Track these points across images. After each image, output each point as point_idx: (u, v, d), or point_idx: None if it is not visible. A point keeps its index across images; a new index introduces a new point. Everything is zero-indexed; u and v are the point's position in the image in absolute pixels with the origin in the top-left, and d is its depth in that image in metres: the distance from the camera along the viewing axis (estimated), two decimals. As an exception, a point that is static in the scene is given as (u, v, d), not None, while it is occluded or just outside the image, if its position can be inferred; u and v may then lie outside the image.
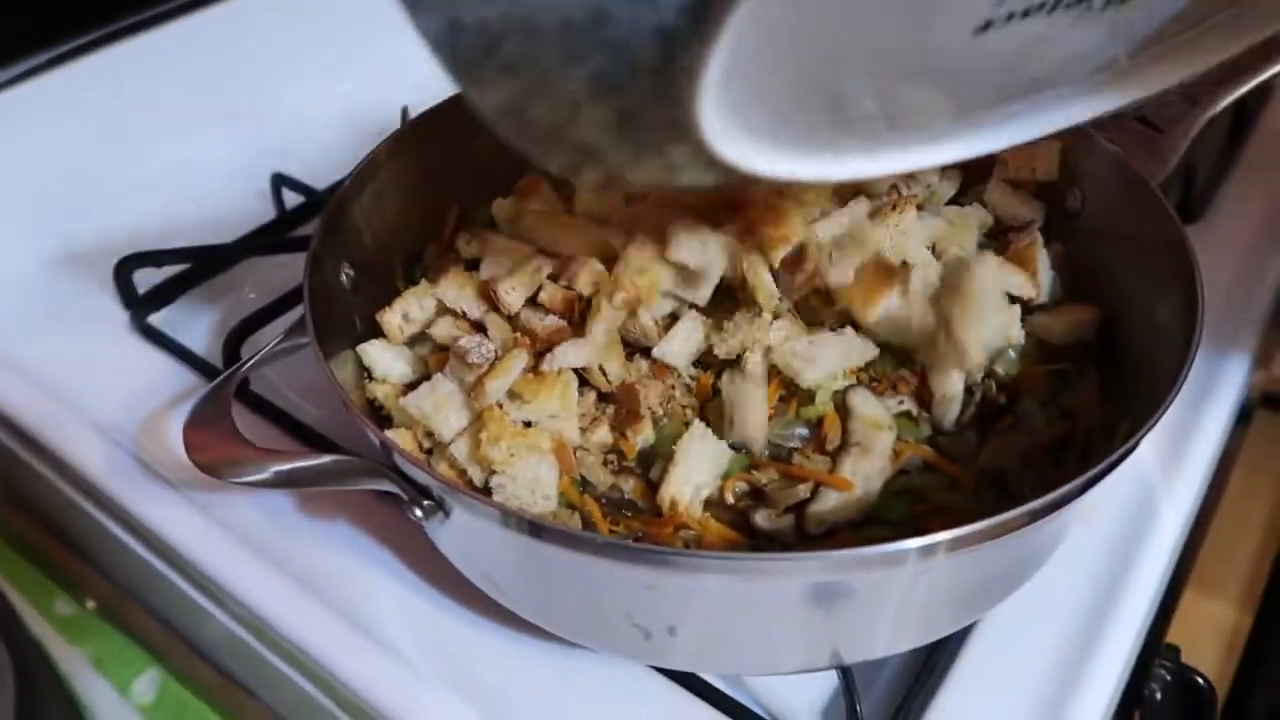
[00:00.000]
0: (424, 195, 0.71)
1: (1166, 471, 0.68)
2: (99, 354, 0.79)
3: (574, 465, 0.57)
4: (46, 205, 0.84)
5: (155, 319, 0.81)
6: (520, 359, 0.57)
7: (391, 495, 0.65)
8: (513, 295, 0.61)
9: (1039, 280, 0.64)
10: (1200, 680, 0.63)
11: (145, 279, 0.82)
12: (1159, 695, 0.64)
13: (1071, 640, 0.59)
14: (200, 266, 0.84)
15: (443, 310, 0.63)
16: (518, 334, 0.61)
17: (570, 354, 0.58)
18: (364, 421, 0.51)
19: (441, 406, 0.57)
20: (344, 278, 0.63)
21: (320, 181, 0.90)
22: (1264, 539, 1.10)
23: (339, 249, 0.63)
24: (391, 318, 0.63)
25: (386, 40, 1.05)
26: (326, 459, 0.52)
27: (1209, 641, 0.96)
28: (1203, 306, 0.54)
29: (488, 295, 0.63)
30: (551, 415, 0.57)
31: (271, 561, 0.63)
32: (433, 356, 0.63)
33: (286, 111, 0.98)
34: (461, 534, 0.53)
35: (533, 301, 0.63)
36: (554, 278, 0.63)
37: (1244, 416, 0.97)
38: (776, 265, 0.60)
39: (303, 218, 0.90)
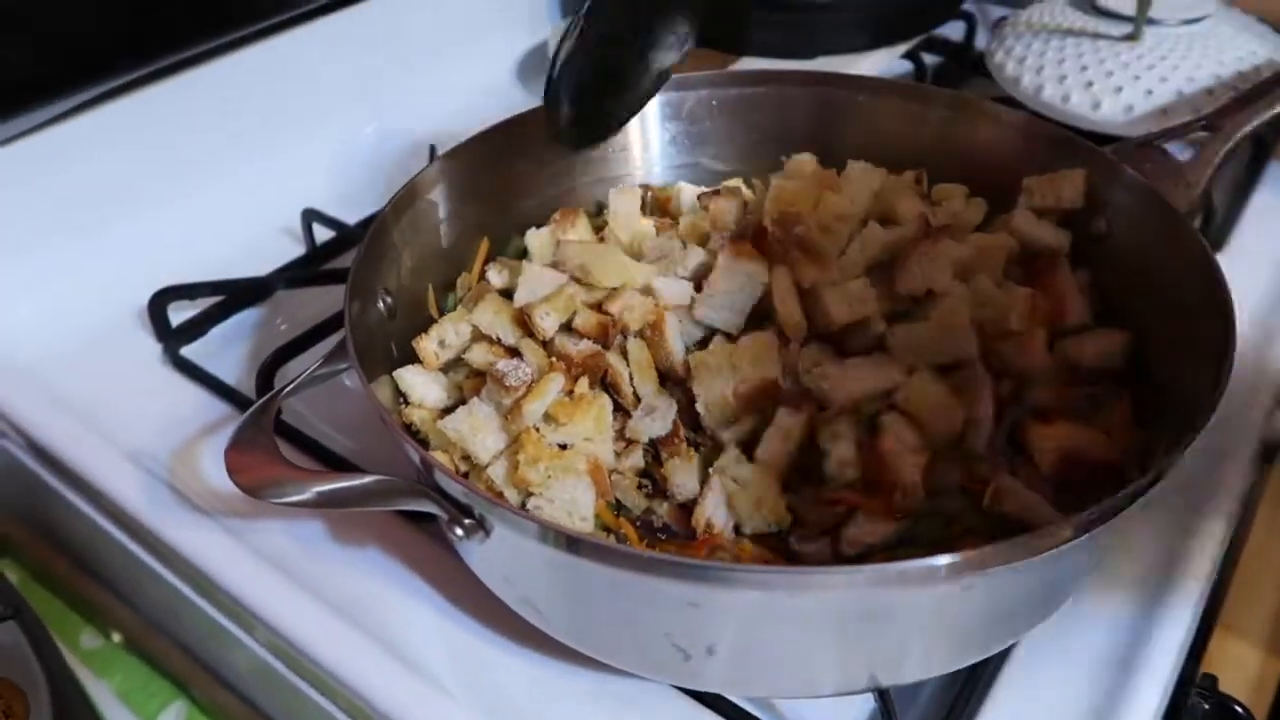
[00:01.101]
0: (457, 226, 0.73)
1: (1200, 495, 0.68)
2: (133, 385, 0.80)
3: (609, 488, 0.58)
4: (83, 239, 0.85)
5: (188, 351, 0.82)
6: (557, 382, 0.58)
7: (425, 520, 0.66)
8: (548, 320, 0.62)
9: (1067, 306, 0.65)
10: (1239, 709, 0.62)
11: (179, 312, 0.83)
12: (1199, 724, 0.63)
13: (1109, 668, 0.59)
14: (233, 300, 0.85)
15: (478, 336, 0.64)
16: (552, 359, 0.62)
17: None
18: (405, 439, 0.51)
19: (479, 429, 0.58)
20: (382, 305, 0.64)
21: (350, 217, 0.92)
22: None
23: (378, 275, 0.64)
24: (428, 344, 0.64)
25: (412, 82, 1.08)
26: (369, 479, 0.53)
27: (1239, 680, 0.95)
28: (1234, 329, 0.55)
29: (522, 321, 0.64)
30: (586, 438, 0.58)
31: (304, 587, 0.64)
32: (468, 382, 0.64)
33: (316, 150, 1.00)
34: (501, 554, 0.53)
35: (566, 328, 0.64)
36: (589, 305, 0.64)
37: (1268, 455, 0.97)
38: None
39: (333, 252, 0.91)
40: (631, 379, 0.62)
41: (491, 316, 0.64)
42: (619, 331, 0.63)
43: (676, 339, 0.63)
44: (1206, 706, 0.63)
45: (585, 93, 0.72)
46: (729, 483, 0.56)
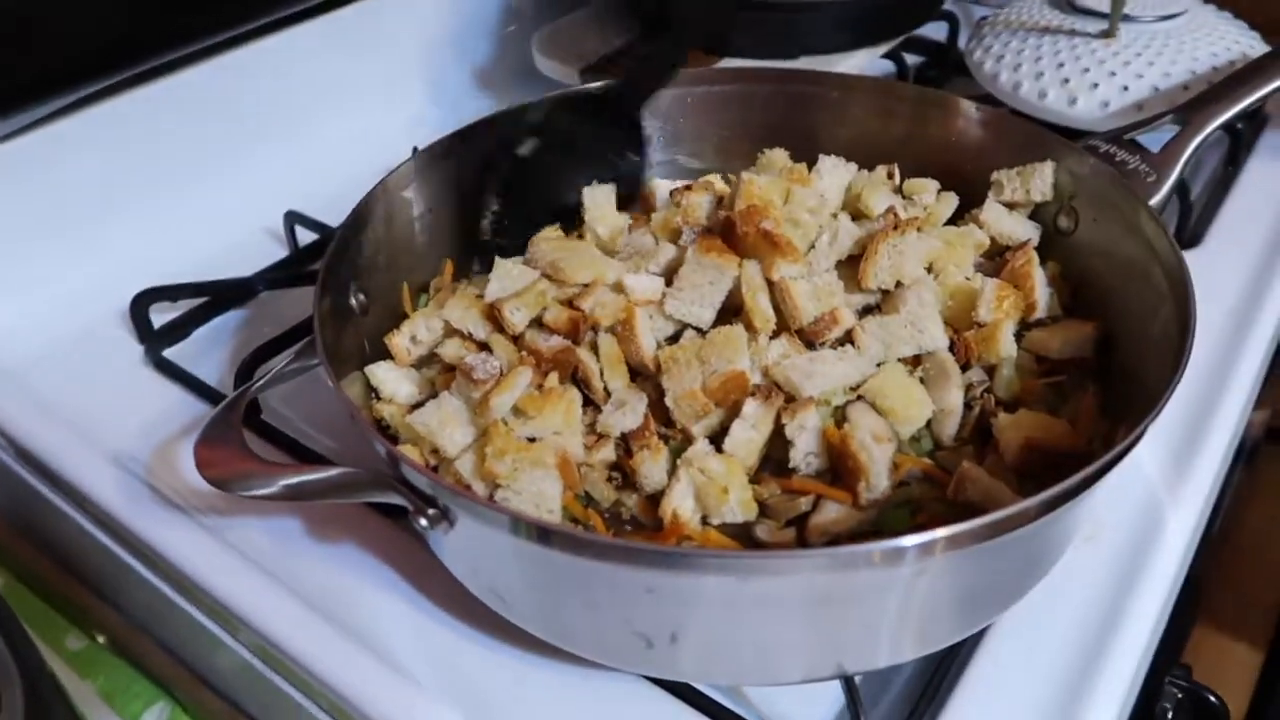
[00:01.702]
0: (431, 223, 0.74)
1: (1171, 489, 0.68)
2: (114, 386, 0.80)
3: (577, 480, 0.58)
4: (66, 241, 0.86)
5: (170, 352, 0.83)
6: (525, 375, 0.58)
7: (398, 515, 0.67)
8: (518, 315, 0.63)
9: (1036, 298, 0.65)
10: (1212, 698, 0.63)
11: (161, 314, 0.84)
12: (1171, 713, 0.63)
13: (1080, 655, 0.59)
14: (215, 301, 0.86)
15: (450, 332, 0.65)
16: (522, 354, 0.62)
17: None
18: (371, 432, 0.52)
19: (447, 423, 0.58)
20: (354, 301, 0.65)
21: (333, 219, 0.92)
22: (1281, 574, 1.09)
23: (350, 271, 0.65)
24: (399, 340, 0.65)
25: (397, 86, 1.09)
26: (334, 472, 0.53)
27: (1228, 675, 0.96)
28: (1193, 317, 0.55)
29: (493, 316, 0.64)
30: (555, 431, 0.58)
31: (280, 583, 0.64)
32: (440, 377, 0.64)
33: (299, 153, 1.01)
34: (466, 544, 0.54)
35: (538, 323, 0.65)
36: (561, 301, 0.65)
37: (1252, 452, 0.97)
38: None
39: (315, 254, 0.92)
40: (602, 374, 0.62)
41: (462, 312, 0.65)
42: (590, 328, 0.63)
43: (647, 335, 0.63)
44: (1180, 695, 0.63)
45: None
46: (696, 474, 0.56)
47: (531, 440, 0.58)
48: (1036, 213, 0.72)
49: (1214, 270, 0.85)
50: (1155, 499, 0.68)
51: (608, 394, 0.62)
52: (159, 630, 0.78)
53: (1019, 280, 0.66)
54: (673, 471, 0.58)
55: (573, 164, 0.74)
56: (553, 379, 0.61)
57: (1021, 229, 0.70)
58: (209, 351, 0.84)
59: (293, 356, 0.62)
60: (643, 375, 0.64)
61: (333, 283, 0.62)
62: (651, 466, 0.58)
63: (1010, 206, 0.71)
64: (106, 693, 0.76)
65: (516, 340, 0.64)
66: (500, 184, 0.73)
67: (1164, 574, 0.64)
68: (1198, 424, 0.72)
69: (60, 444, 0.75)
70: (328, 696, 0.60)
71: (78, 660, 0.79)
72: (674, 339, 0.65)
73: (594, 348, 0.63)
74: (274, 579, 0.64)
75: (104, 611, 0.81)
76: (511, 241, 0.71)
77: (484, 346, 0.64)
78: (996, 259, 0.70)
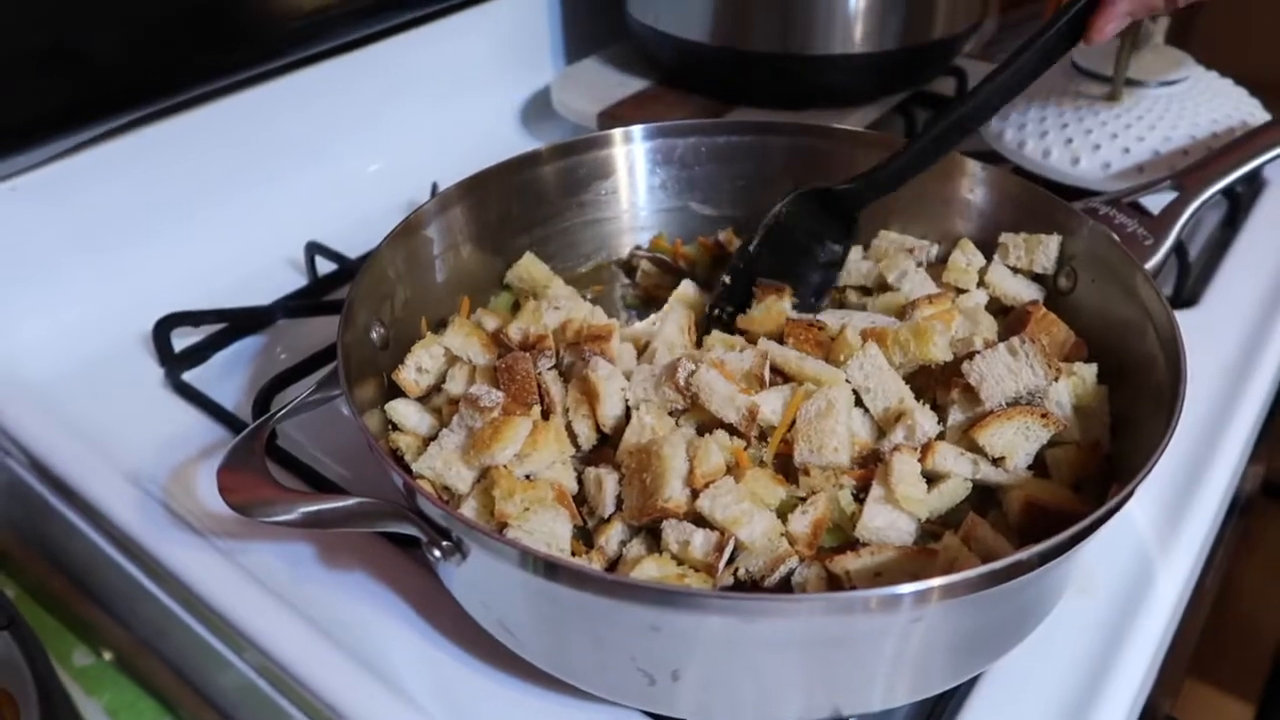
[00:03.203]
0: (452, 261, 0.76)
1: (1163, 544, 0.70)
2: (134, 407, 0.82)
3: (577, 513, 0.60)
4: (94, 265, 0.88)
5: (189, 376, 0.85)
6: (525, 426, 0.60)
7: (410, 544, 0.68)
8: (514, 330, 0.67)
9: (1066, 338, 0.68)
10: (1200, 751, 0.64)
11: (182, 338, 0.86)
12: (1158, 765, 0.64)
13: (1070, 705, 0.60)
14: (235, 327, 0.88)
15: (452, 360, 0.67)
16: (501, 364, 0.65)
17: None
18: (388, 462, 0.54)
19: (451, 463, 0.60)
20: (375, 335, 0.67)
21: (352, 251, 0.95)
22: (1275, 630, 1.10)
23: (373, 305, 0.67)
24: (406, 374, 0.67)
25: (417, 123, 1.12)
26: (352, 501, 0.55)
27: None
28: (1185, 374, 0.57)
29: (492, 344, 0.67)
30: (548, 465, 0.60)
31: (292, 608, 0.65)
32: (446, 406, 0.66)
33: (322, 185, 1.03)
34: (477, 576, 0.55)
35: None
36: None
37: (1246, 506, 0.99)
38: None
39: (334, 284, 0.94)
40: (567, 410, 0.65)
41: (463, 340, 0.67)
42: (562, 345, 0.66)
43: (614, 397, 0.64)
44: (1169, 748, 0.64)
45: None
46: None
47: (528, 478, 0.60)
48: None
49: (1211, 328, 0.87)
50: (1147, 553, 0.69)
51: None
52: (166, 649, 0.79)
53: (1048, 327, 0.67)
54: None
55: (789, 250, 0.78)
56: (534, 411, 0.63)
57: (1026, 291, 0.73)
58: (227, 376, 0.86)
59: (315, 387, 0.64)
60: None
61: (356, 317, 0.64)
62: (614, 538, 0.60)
63: (1013, 270, 0.74)
64: (112, 709, 0.77)
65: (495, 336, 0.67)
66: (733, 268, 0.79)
67: (1154, 628, 0.65)
68: (1191, 479, 0.74)
69: (78, 461, 0.77)
70: (329, 718, 0.61)
71: (84, 676, 0.80)
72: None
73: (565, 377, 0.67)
74: (284, 602, 0.66)
75: (112, 628, 0.82)
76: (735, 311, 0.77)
77: (488, 372, 0.67)
78: (1000, 316, 0.72)
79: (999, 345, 0.61)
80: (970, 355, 0.61)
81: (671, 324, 0.73)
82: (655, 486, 0.57)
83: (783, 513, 0.58)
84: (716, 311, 0.78)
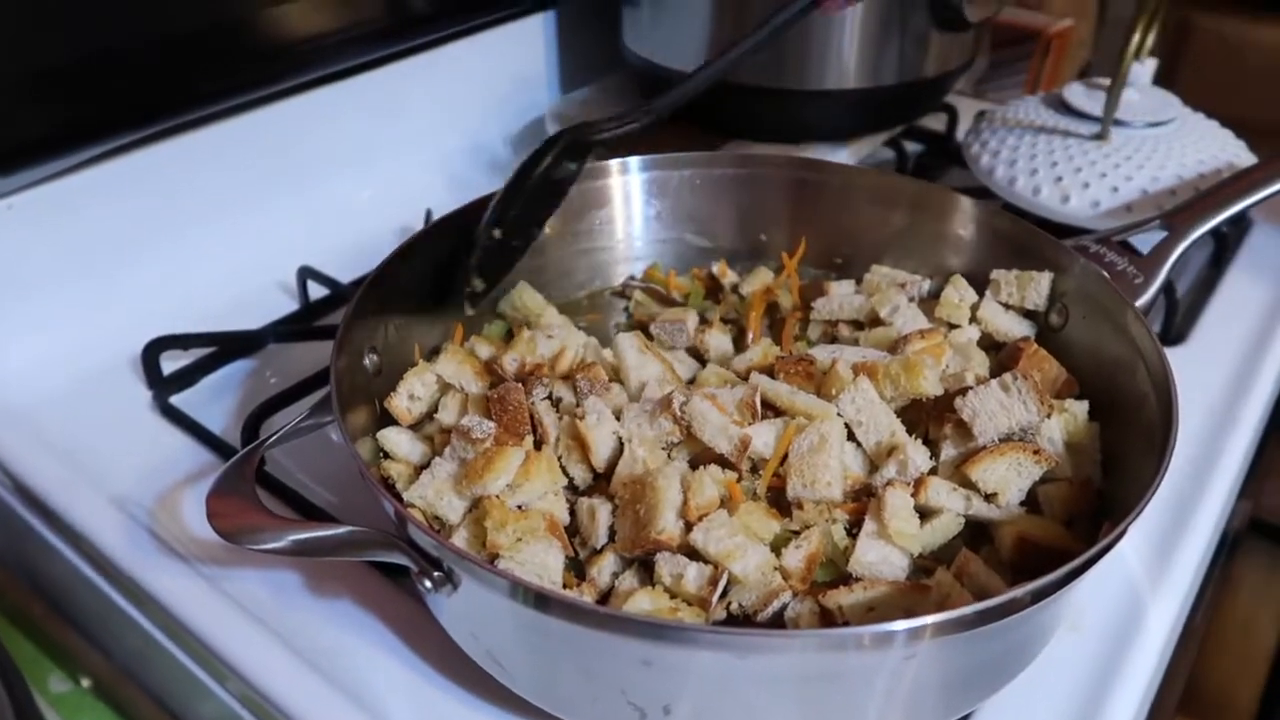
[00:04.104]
0: (446, 290, 0.76)
1: (1153, 581, 0.70)
2: (120, 430, 0.81)
3: (568, 544, 0.60)
4: (84, 287, 0.88)
5: (177, 399, 0.84)
6: (518, 456, 0.60)
7: (398, 574, 0.68)
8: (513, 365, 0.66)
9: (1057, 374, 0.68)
10: (1190, 792, 0.64)
11: (171, 361, 0.85)
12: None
13: (1060, 743, 0.60)
14: (224, 351, 0.87)
15: (444, 387, 0.67)
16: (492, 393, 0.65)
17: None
18: (380, 491, 0.53)
19: (443, 493, 0.60)
20: (368, 362, 0.67)
21: (344, 276, 0.95)
22: (1265, 669, 1.10)
23: (367, 332, 0.67)
24: (399, 402, 0.67)
25: (410, 150, 1.13)
26: (342, 530, 0.55)
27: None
28: (1176, 418, 0.57)
29: (484, 372, 0.67)
30: (540, 496, 0.60)
31: (277, 636, 0.65)
32: (439, 434, 0.66)
33: (315, 210, 1.03)
34: (467, 607, 0.55)
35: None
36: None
37: (1235, 544, 0.99)
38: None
39: (325, 309, 0.94)
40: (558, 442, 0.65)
41: (456, 367, 0.67)
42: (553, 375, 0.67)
43: (605, 445, 0.64)
44: (1158, 789, 0.64)
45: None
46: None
47: (520, 508, 0.60)
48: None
49: (1198, 366, 0.88)
50: (1137, 591, 0.69)
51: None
52: (146, 676, 0.78)
53: (1040, 363, 0.68)
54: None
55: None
56: (527, 442, 0.63)
57: (1017, 327, 0.73)
58: (215, 400, 0.85)
59: (307, 413, 0.64)
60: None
61: (350, 344, 0.64)
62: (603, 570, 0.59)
63: (1005, 306, 0.74)
64: (90, 739, 0.76)
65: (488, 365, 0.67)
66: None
67: (1144, 665, 0.65)
68: (1180, 517, 0.74)
69: (62, 484, 0.76)
70: (315, 753, 0.60)
71: (61, 704, 0.79)
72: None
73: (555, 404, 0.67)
74: (268, 630, 0.65)
75: (91, 655, 0.81)
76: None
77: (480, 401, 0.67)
78: (991, 352, 0.72)
79: (991, 381, 0.61)
80: (963, 391, 0.62)
81: (648, 364, 0.71)
82: (649, 518, 0.56)
83: (776, 547, 0.57)
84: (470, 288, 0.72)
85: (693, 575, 0.55)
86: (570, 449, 0.64)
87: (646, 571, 0.58)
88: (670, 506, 0.57)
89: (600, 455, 0.63)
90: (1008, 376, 0.61)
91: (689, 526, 0.57)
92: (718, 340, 0.77)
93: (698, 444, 0.62)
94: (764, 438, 0.62)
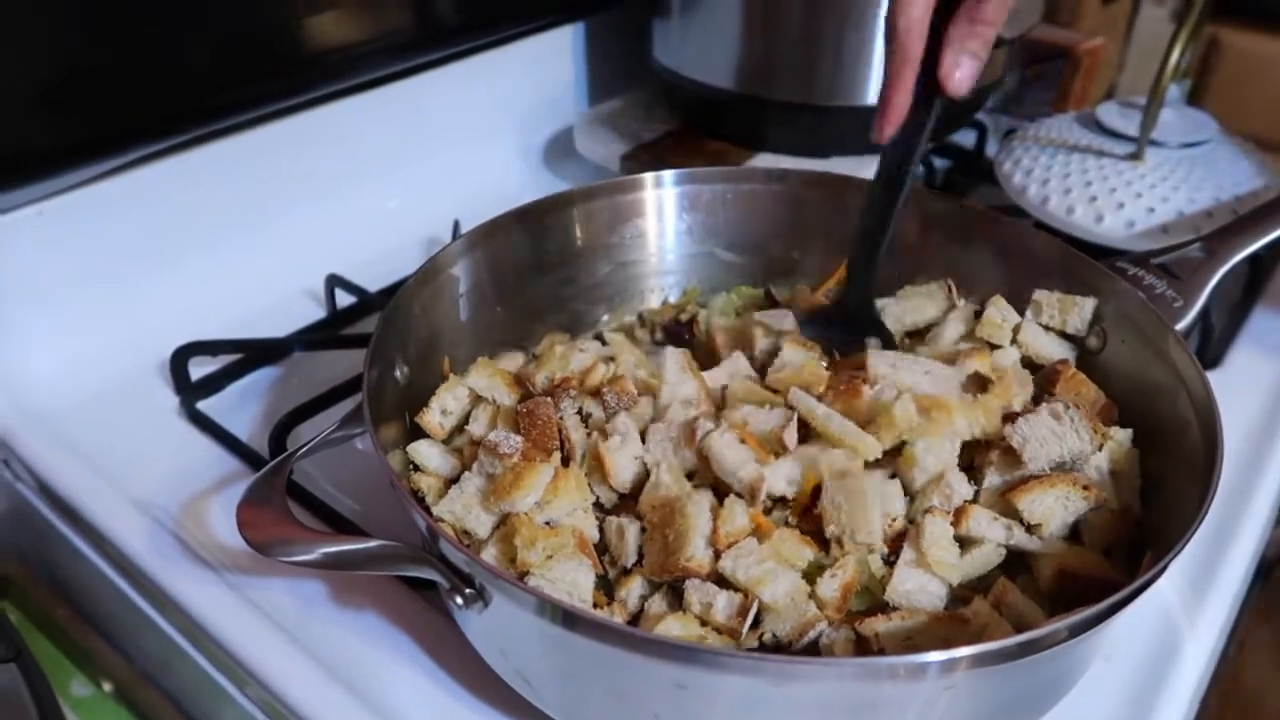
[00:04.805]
0: (476, 300, 0.76)
1: (1189, 612, 0.69)
2: (147, 436, 0.82)
3: (599, 561, 0.59)
4: (113, 293, 0.88)
5: (204, 405, 0.84)
6: (547, 473, 0.59)
7: (424, 587, 0.67)
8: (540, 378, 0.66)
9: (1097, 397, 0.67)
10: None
11: (199, 367, 0.86)
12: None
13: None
14: (252, 358, 0.88)
15: (476, 399, 0.67)
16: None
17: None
18: (412, 505, 0.53)
19: (471, 506, 0.60)
20: (398, 373, 0.66)
21: (372, 285, 0.95)
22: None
23: (398, 344, 0.66)
24: (430, 417, 0.67)
25: (439, 159, 1.12)
26: (374, 544, 0.54)
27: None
28: (1221, 447, 0.56)
29: (515, 385, 0.67)
30: (568, 512, 0.59)
31: (300, 646, 0.64)
32: (468, 447, 0.65)
33: (343, 218, 1.03)
34: (498, 626, 0.54)
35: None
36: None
37: (1265, 571, 0.98)
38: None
39: (353, 318, 0.94)
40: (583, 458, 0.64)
41: (487, 379, 0.67)
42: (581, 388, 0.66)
43: (626, 468, 0.63)
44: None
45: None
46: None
47: (548, 524, 0.59)
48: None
49: (1234, 392, 0.86)
50: (1173, 622, 0.68)
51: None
52: (167, 681, 0.78)
53: (1078, 387, 0.67)
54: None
55: None
56: (555, 458, 0.63)
57: (1057, 350, 0.72)
58: (242, 406, 0.85)
59: (338, 424, 0.63)
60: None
61: (381, 355, 0.63)
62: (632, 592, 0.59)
63: (1045, 328, 0.73)
64: (110, 743, 0.76)
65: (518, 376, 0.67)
66: None
67: (1180, 697, 0.64)
68: (1218, 545, 0.73)
69: (87, 488, 0.76)
70: (336, 763, 0.60)
71: (82, 707, 0.79)
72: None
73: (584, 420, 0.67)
74: (292, 639, 0.65)
75: (113, 659, 0.81)
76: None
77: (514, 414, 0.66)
78: (1034, 371, 0.71)
79: (1042, 408, 0.60)
80: (1012, 417, 0.61)
81: (686, 382, 0.70)
82: (678, 545, 0.56)
83: (810, 575, 0.56)
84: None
85: (722, 604, 0.53)
86: (594, 469, 0.64)
87: (676, 596, 0.57)
88: (700, 534, 0.56)
89: (621, 478, 0.63)
90: (1059, 404, 0.60)
91: (718, 554, 0.56)
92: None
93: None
94: (785, 473, 0.60)
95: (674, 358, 0.69)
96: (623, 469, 0.63)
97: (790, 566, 0.55)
